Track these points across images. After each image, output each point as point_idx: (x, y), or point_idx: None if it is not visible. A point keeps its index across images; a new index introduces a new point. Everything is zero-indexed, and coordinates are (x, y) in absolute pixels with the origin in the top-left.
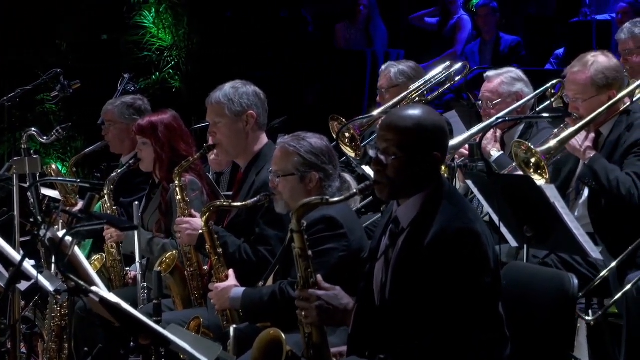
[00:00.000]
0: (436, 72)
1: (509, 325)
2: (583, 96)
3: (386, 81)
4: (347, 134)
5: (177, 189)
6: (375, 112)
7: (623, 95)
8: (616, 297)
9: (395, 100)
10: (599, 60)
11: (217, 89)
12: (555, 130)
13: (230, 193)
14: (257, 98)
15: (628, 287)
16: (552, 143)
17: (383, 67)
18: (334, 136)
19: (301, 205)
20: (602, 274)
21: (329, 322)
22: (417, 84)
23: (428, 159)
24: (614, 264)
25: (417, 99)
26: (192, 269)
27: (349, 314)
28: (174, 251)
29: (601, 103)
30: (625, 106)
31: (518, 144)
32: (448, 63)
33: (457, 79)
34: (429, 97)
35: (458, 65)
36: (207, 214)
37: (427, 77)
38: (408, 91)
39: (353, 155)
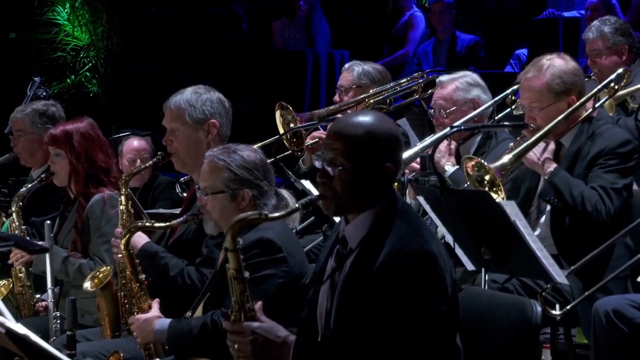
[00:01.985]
0: (403, 80)
1: (466, 357)
2: (539, 104)
3: (347, 80)
4: (291, 125)
5: (122, 198)
6: (316, 111)
7: (583, 101)
8: (578, 300)
9: (348, 102)
10: (555, 63)
11: (178, 92)
12: (512, 144)
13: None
14: (221, 106)
15: (591, 290)
16: (507, 158)
17: (347, 65)
18: (280, 128)
19: (237, 221)
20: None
21: (265, 358)
22: (377, 89)
23: (379, 171)
24: (572, 268)
25: (373, 106)
26: (126, 290)
27: (287, 347)
28: (109, 267)
29: (560, 111)
30: (587, 113)
31: (469, 160)
32: (418, 73)
33: (428, 92)
34: (391, 108)
35: (429, 77)
36: (127, 236)
37: (392, 84)
38: (365, 95)
39: (291, 151)
